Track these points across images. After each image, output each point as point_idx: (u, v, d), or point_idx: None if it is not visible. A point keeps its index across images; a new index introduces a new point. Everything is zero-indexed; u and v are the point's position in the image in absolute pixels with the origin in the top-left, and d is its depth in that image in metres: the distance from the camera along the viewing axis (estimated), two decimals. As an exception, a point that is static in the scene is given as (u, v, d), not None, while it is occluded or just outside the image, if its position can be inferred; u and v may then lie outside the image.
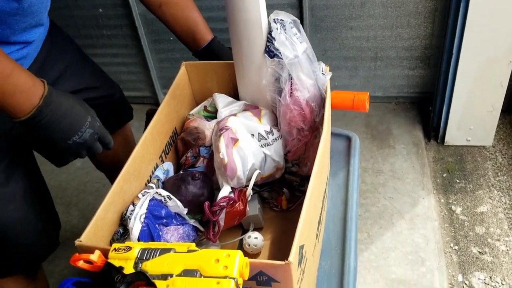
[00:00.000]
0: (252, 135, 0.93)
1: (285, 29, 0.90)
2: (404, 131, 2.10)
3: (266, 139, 0.94)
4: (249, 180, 0.92)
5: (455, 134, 1.96)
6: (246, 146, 0.90)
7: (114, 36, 2.27)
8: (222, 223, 0.87)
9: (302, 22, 2.02)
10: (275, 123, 0.98)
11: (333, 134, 1.23)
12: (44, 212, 0.99)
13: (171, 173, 0.97)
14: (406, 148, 2.01)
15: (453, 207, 1.75)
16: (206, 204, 0.86)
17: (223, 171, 0.88)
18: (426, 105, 2.15)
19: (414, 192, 1.81)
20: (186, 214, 0.86)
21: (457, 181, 1.84)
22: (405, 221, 1.70)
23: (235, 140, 0.88)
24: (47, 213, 1.02)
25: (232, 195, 0.89)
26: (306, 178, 1.00)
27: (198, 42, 1.10)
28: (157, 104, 2.11)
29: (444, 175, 1.88)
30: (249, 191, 0.91)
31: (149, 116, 1.32)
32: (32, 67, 0.97)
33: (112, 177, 1.40)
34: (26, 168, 0.95)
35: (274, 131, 0.96)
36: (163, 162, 0.98)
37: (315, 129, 0.95)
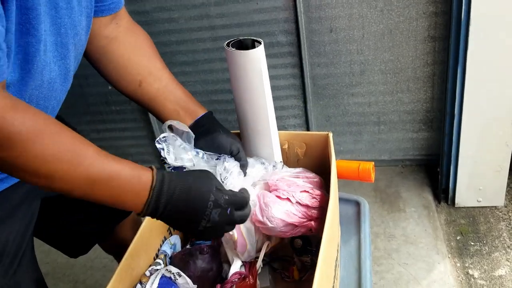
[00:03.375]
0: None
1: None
2: (413, 194, 2.08)
3: None
4: (259, 250, 0.91)
5: (465, 196, 1.94)
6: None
7: (123, 111, 2.34)
8: (232, 299, 0.85)
9: (304, 91, 2.08)
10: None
11: (342, 200, 1.22)
12: None
13: (178, 247, 0.96)
14: (417, 211, 1.98)
15: (470, 271, 1.69)
16: (218, 287, 0.85)
17: (233, 247, 0.87)
18: (433, 167, 2.14)
19: (428, 256, 1.76)
20: (195, 290, 0.84)
21: (472, 243, 1.80)
22: (422, 288, 1.65)
23: None
24: None
25: (243, 269, 0.87)
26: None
27: (190, 118, 0.92)
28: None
29: (458, 237, 1.84)
30: (259, 263, 0.89)
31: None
32: None
33: (120, 259, 1.37)
34: (33, 271, 0.91)
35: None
36: (171, 235, 0.97)
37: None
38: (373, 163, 1.11)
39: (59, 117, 1.03)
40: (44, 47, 0.68)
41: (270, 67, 2.18)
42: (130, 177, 0.66)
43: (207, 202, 0.69)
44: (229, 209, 0.72)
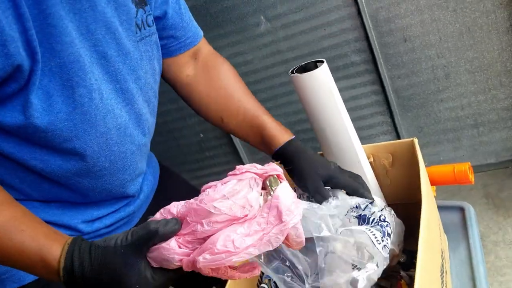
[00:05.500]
0: None
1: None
2: (530, 194, 1.90)
3: None
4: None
5: None
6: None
7: (216, 156, 2.46)
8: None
9: (389, 105, 2.03)
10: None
11: (443, 207, 1.16)
12: None
13: None
14: (538, 213, 1.80)
15: None
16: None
17: None
18: (548, 162, 1.95)
19: (561, 260, 1.58)
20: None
21: None
22: (558, 296, 1.47)
23: None
24: None
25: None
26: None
27: (269, 151, 0.93)
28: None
29: None
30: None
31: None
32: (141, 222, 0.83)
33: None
34: None
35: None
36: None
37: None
38: (469, 163, 1.06)
39: (160, 165, 1.06)
40: (99, 95, 0.70)
41: (348, 87, 2.19)
42: (34, 256, 0.60)
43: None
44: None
